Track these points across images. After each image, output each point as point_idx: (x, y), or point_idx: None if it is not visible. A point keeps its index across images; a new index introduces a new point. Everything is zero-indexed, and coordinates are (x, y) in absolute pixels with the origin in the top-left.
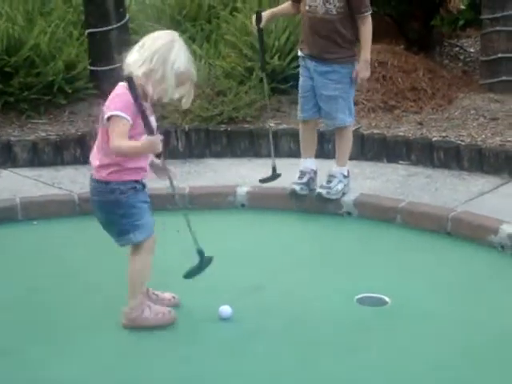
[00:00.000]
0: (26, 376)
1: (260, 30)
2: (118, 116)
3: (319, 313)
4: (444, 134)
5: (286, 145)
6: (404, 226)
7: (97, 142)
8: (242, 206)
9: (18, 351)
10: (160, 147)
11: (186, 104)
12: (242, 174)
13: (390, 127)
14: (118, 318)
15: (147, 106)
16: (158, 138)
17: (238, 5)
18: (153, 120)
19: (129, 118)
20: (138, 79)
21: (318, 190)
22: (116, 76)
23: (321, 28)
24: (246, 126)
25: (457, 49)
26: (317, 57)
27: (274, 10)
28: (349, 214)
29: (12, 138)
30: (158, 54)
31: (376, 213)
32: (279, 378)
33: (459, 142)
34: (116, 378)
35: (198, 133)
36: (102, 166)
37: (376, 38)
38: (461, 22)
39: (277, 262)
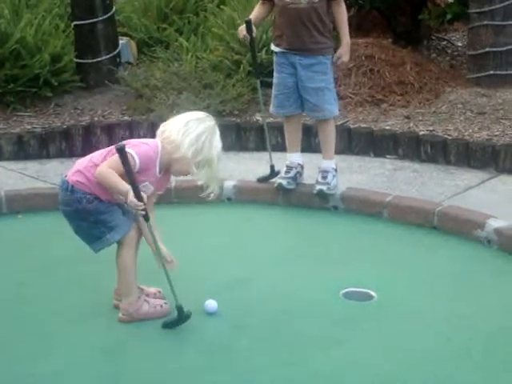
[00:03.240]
0: (14, 371)
1: (252, 40)
2: (132, 158)
3: (305, 307)
4: (431, 128)
5: (273, 139)
6: (390, 220)
7: (93, 155)
8: (229, 199)
9: (5, 346)
10: (133, 205)
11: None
12: (228, 168)
13: (377, 121)
14: (104, 311)
15: (165, 177)
16: (136, 202)
17: None
18: (149, 187)
19: (138, 166)
20: (180, 157)
21: (318, 186)
22: (102, 68)
23: (305, 18)
24: (233, 119)
25: (444, 43)
26: (300, 49)
27: (253, 18)
28: (335, 208)
29: None
30: (203, 137)
31: (363, 207)
32: (264, 373)
33: (446, 136)
34: (102, 371)
35: None
36: (79, 172)
37: (363, 31)
38: (448, 16)
39: (263, 255)
